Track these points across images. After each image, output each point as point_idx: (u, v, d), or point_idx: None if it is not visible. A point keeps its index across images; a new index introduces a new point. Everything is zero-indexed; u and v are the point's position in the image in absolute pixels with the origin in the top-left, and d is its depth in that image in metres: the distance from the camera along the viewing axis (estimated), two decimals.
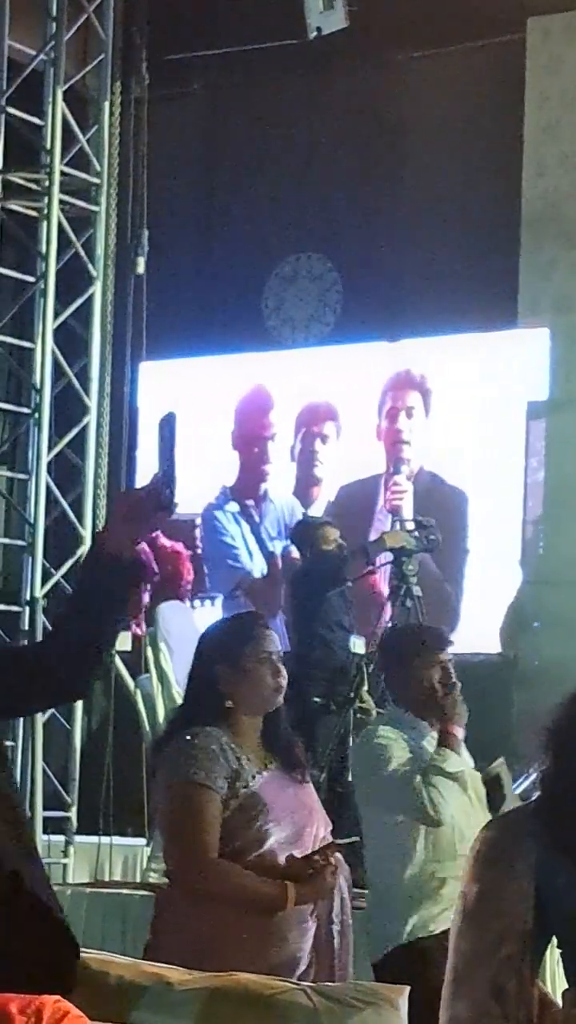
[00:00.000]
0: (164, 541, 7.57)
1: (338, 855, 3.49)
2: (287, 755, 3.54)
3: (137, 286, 8.25)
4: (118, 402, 8.49)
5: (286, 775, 3.51)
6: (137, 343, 8.35)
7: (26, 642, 7.48)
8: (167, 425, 2.49)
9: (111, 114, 8.25)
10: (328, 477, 9.18)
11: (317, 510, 8.88)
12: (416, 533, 7.36)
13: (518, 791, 5.41)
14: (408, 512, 8.39)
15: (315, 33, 7.17)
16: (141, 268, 8.25)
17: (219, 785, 3.38)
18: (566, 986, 2.19)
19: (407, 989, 2.70)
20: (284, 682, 3.52)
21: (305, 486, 9.23)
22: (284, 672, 3.52)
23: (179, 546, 7.80)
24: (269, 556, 8.98)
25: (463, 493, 8.74)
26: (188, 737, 3.43)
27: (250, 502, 9.14)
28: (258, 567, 9.03)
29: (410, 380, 8.97)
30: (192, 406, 9.62)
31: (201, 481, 9.41)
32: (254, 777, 3.44)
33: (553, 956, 2.31)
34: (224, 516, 9.23)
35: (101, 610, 2.42)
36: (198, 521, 9.28)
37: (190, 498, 9.50)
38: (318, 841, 3.52)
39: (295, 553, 8.04)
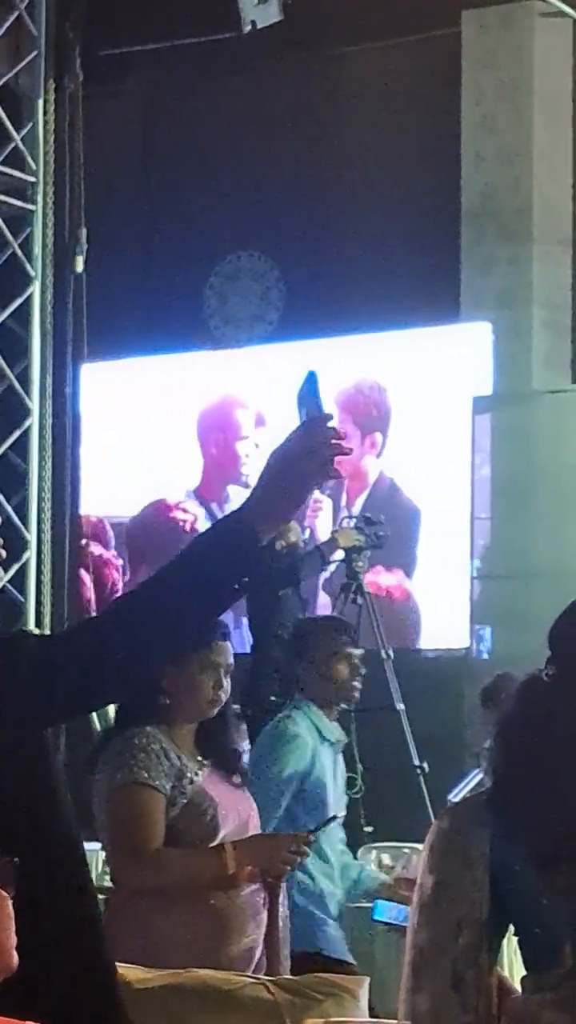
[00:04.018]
0: (94, 549, 7.54)
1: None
2: (223, 759, 3.53)
3: (77, 285, 8.19)
4: (60, 403, 8.42)
5: (223, 776, 3.49)
6: (78, 343, 8.28)
7: None
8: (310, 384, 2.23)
9: (45, 112, 8.17)
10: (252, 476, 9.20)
11: None
12: (366, 531, 7.42)
13: (472, 783, 5.43)
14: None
15: (249, 27, 7.13)
16: (80, 267, 8.18)
17: (161, 784, 3.37)
18: (524, 973, 2.18)
19: (367, 980, 2.68)
20: (224, 695, 3.50)
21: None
22: (226, 685, 3.50)
23: (109, 554, 7.79)
24: None
25: (418, 510, 8.73)
26: (129, 737, 3.40)
27: (214, 504, 9.16)
28: None
29: (368, 419, 8.84)
30: (135, 407, 9.60)
31: (149, 483, 9.38)
32: (196, 774, 3.43)
33: (511, 944, 2.29)
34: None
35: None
36: None
37: (143, 500, 9.47)
38: None
39: None
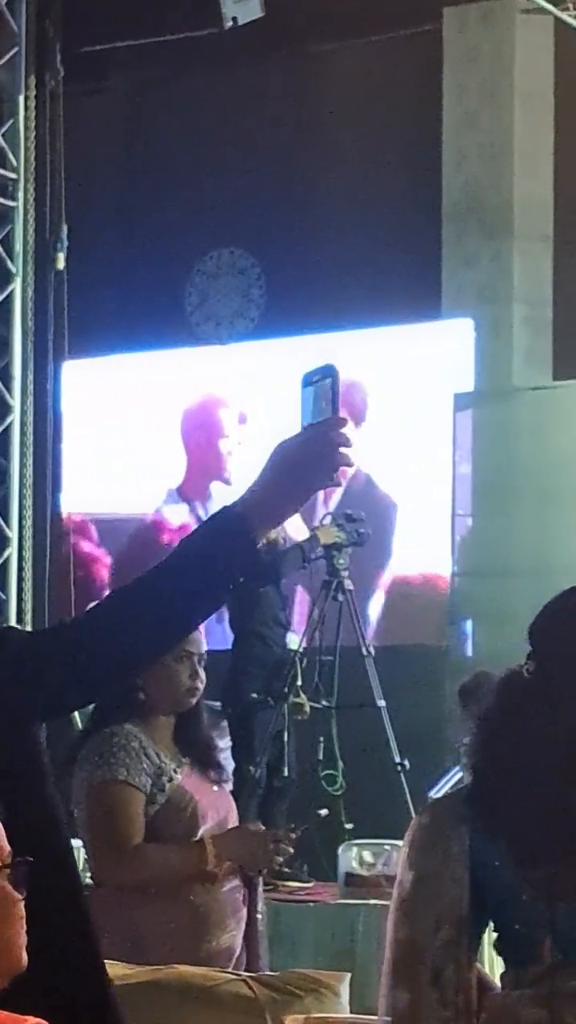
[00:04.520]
0: (83, 546, 7.53)
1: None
2: (202, 756, 3.52)
3: (58, 282, 8.19)
4: (41, 401, 8.42)
5: (201, 774, 3.49)
6: (59, 341, 8.29)
7: None
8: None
9: (26, 108, 8.17)
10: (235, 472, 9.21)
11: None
12: (347, 527, 7.41)
13: (453, 780, 5.44)
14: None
15: (230, 23, 7.14)
16: (61, 263, 8.19)
17: (141, 782, 3.38)
18: (503, 969, 2.18)
19: (347, 976, 2.68)
20: (200, 684, 3.49)
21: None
22: (202, 674, 3.49)
23: (98, 551, 7.77)
24: None
25: (394, 505, 8.75)
26: (108, 736, 3.41)
27: (197, 502, 9.17)
28: None
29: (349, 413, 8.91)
30: (116, 405, 9.59)
31: (132, 481, 9.39)
32: (175, 771, 3.43)
33: (491, 939, 2.30)
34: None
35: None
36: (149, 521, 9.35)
37: (131, 498, 9.48)
38: None
39: None
